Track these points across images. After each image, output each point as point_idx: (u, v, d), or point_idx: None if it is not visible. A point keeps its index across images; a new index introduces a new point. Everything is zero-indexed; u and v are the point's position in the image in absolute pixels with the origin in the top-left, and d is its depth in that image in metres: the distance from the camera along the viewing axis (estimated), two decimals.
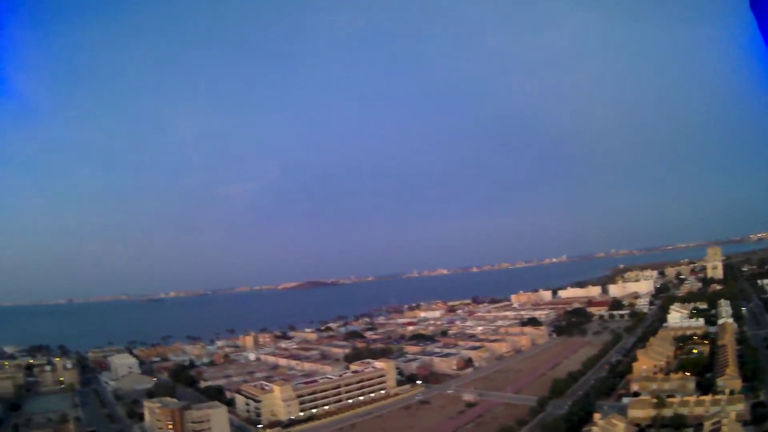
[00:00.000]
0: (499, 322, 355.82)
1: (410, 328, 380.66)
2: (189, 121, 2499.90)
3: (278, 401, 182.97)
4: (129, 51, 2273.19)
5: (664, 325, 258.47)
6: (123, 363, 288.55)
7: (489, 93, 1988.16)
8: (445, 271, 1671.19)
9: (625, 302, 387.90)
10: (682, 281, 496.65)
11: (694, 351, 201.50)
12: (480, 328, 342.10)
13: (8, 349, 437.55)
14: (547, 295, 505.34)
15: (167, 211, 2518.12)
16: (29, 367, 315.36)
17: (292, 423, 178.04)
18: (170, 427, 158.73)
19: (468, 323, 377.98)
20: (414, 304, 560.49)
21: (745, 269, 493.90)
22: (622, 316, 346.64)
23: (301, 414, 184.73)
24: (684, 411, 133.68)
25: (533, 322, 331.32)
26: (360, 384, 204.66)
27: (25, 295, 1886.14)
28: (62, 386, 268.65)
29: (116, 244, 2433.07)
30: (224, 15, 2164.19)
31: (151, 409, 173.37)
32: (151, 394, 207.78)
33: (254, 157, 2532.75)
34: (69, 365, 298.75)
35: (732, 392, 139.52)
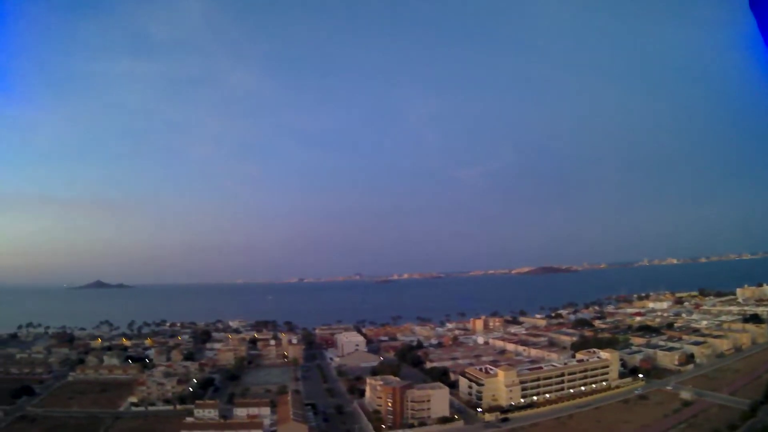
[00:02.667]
0: (723, 317, 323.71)
1: (638, 318, 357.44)
2: (424, 104, 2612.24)
3: (501, 386, 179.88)
4: (369, 38, 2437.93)
5: None
6: (350, 340, 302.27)
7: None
8: (674, 261, 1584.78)
9: None
10: None
11: None
12: (705, 322, 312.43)
13: (234, 324, 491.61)
14: None
15: (403, 193, 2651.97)
16: (253, 341, 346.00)
17: (511, 409, 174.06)
18: (389, 404, 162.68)
19: (693, 316, 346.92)
20: (643, 294, 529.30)
21: None
22: None
23: (522, 401, 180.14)
24: None
25: (755, 319, 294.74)
26: (583, 374, 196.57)
27: (259, 273, 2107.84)
28: (286, 360, 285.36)
29: (349, 226, 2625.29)
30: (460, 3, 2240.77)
31: (372, 385, 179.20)
32: (375, 372, 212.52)
33: (488, 141, 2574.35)
34: (294, 341, 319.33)
35: None
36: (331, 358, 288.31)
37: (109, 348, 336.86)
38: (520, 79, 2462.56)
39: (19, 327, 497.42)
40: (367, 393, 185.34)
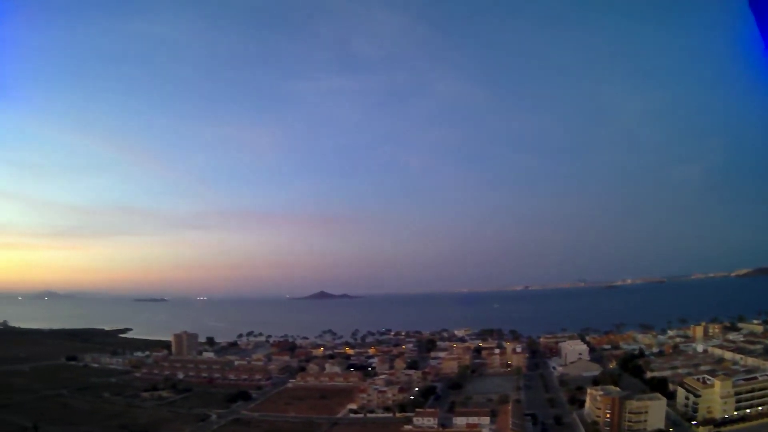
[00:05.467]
0: None
1: None
2: (639, 99, 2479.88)
3: (716, 397, 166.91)
4: (574, 35, 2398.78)
5: None
6: (573, 349, 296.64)
7: None
8: None
9: None
10: None
11: None
12: None
13: (459, 332, 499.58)
14: None
15: (619, 194, 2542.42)
16: (478, 350, 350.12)
17: (725, 422, 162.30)
18: (608, 415, 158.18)
19: None
20: None
21: None
22: None
23: (735, 413, 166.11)
24: None
25: None
26: None
27: (484, 282, 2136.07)
28: (509, 369, 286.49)
29: (571, 232, 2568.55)
30: None
31: (593, 396, 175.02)
32: (596, 382, 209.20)
33: (700, 135, 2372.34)
34: (519, 349, 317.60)
35: None
36: (554, 367, 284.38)
37: (332, 356, 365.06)
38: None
39: (239, 336, 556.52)
40: (587, 403, 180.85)
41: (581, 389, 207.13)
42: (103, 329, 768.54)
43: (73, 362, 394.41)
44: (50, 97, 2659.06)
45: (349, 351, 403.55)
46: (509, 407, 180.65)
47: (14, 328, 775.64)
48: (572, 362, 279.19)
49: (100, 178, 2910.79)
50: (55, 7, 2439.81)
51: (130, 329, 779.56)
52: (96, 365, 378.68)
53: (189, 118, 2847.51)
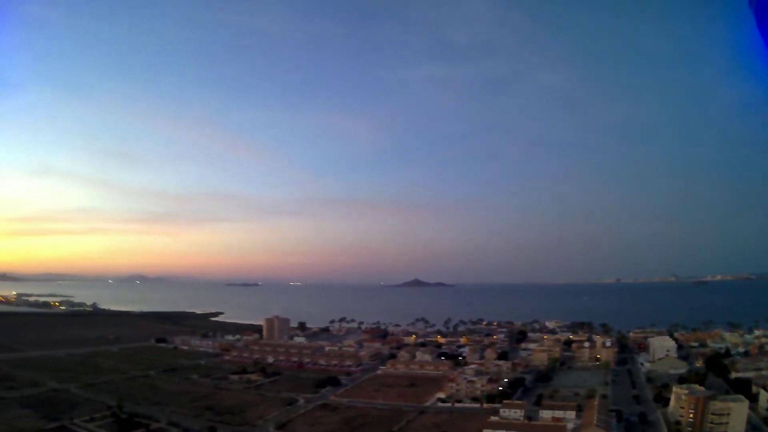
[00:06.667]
0: None
1: None
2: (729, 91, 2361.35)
3: None
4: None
5: None
6: (661, 345, 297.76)
7: None
8: None
9: None
10: None
11: None
12: None
13: (550, 324, 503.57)
14: None
15: (714, 188, 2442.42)
16: (568, 343, 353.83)
17: None
18: (691, 415, 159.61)
19: None
20: None
21: None
22: None
23: None
24: None
25: None
26: None
27: (576, 273, 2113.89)
28: (597, 363, 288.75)
29: (665, 224, 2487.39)
30: None
31: (677, 394, 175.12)
32: (682, 380, 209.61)
33: None
34: (608, 343, 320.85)
35: None
36: (642, 363, 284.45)
37: (423, 344, 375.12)
38: None
39: (331, 321, 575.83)
40: (672, 402, 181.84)
41: (667, 387, 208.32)
42: (194, 312, 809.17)
43: (162, 344, 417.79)
44: (146, 88, 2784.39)
45: (441, 340, 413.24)
46: (595, 402, 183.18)
47: (103, 310, 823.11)
48: (659, 359, 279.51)
49: (195, 166, 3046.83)
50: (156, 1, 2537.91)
51: (222, 313, 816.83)
52: (186, 348, 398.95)
53: (286, 107, 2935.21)
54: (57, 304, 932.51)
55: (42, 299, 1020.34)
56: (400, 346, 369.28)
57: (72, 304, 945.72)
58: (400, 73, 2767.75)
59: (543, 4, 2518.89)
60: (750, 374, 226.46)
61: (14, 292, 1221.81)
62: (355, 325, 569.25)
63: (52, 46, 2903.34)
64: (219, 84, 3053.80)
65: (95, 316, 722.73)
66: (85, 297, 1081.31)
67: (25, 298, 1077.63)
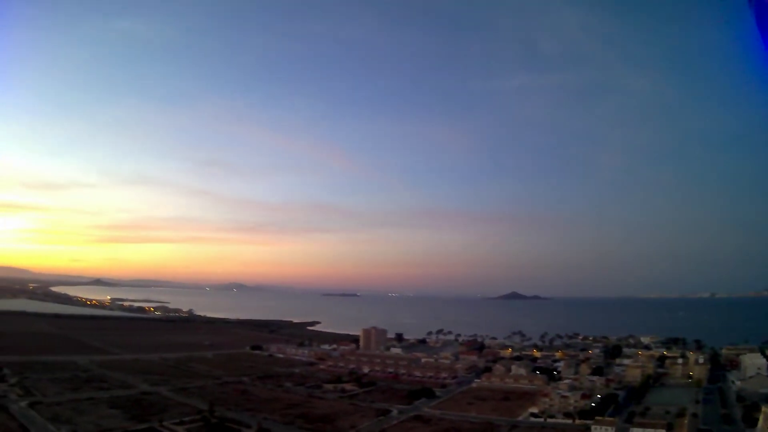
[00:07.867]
0: None
1: None
2: None
3: None
4: None
5: None
6: (752, 363, 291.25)
7: None
8: None
9: None
10: None
11: None
12: None
13: (645, 340, 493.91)
14: None
15: None
16: (661, 359, 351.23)
17: None
18: None
19: None
20: None
21: None
22: None
23: None
24: None
25: None
26: None
27: (669, 288, 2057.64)
28: (689, 381, 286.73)
29: (761, 237, 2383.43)
30: None
31: (766, 414, 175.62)
32: None
33: None
34: (701, 360, 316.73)
35: None
36: (733, 381, 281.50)
37: (518, 358, 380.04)
38: None
39: (428, 333, 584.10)
40: (760, 422, 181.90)
41: (756, 406, 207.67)
42: (290, 321, 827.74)
43: (257, 351, 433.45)
44: (242, 98, 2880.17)
45: (536, 354, 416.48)
46: (685, 421, 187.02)
47: (199, 316, 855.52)
48: (750, 377, 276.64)
49: (295, 177, 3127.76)
50: (247, 8, 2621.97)
51: (319, 322, 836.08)
52: (281, 355, 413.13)
53: (383, 119, 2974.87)
54: (152, 309, 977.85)
55: (137, 304, 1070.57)
56: (496, 359, 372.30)
57: (167, 309, 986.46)
58: (490, 83, 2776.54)
59: (630, 9, 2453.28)
60: None
61: (109, 297, 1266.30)
62: (452, 337, 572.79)
63: (147, 57, 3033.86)
64: (315, 94, 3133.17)
65: (190, 322, 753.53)
66: (181, 303, 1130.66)
67: (120, 303, 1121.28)
